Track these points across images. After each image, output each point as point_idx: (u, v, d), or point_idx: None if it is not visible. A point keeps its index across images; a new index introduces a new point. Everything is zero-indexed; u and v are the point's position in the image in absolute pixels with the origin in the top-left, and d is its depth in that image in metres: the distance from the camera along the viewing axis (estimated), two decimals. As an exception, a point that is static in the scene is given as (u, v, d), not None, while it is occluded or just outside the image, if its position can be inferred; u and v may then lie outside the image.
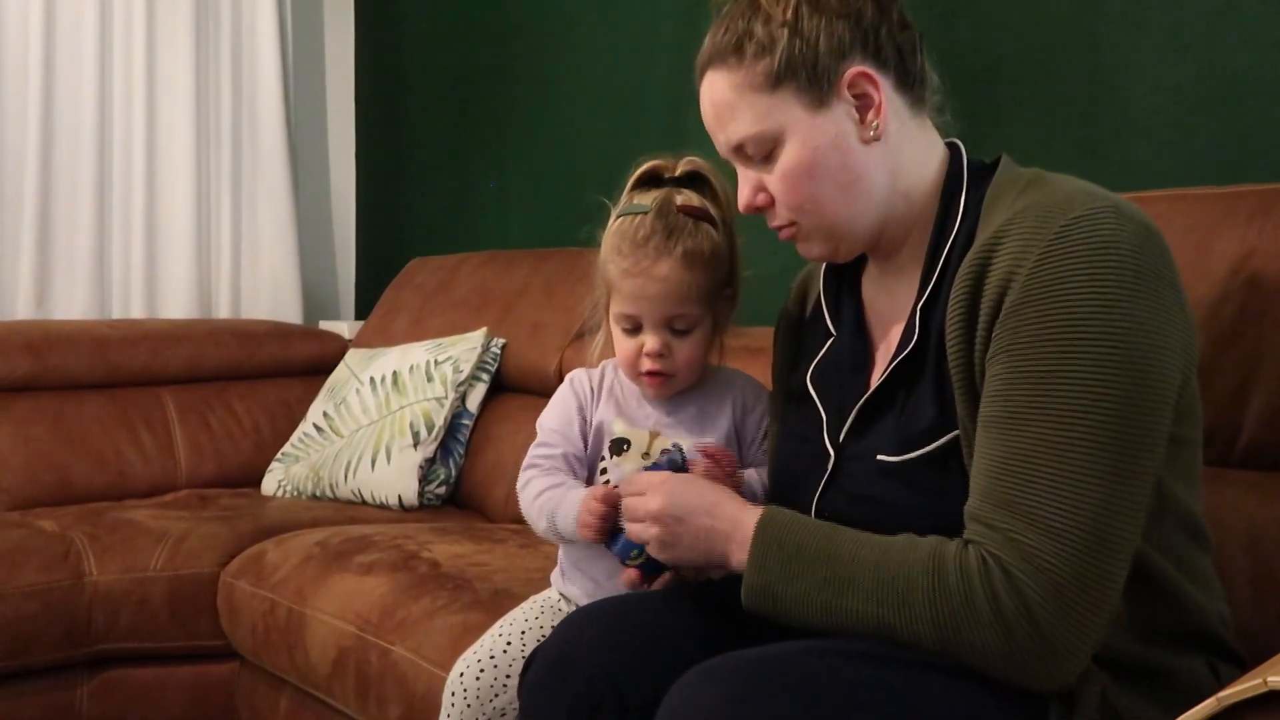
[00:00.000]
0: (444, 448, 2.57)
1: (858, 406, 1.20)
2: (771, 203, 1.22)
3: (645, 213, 1.39)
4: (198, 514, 2.44)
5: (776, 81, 1.16)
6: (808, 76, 1.16)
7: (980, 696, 1.02)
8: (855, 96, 1.17)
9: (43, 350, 2.72)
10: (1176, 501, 1.10)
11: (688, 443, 1.42)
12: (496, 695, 1.42)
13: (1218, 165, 1.71)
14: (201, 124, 3.27)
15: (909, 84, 1.20)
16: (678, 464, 1.31)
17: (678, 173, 1.43)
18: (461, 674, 1.44)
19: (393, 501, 2.51)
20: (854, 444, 1.21)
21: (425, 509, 2.53)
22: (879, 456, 1.16)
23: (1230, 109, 1.69)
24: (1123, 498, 1.00)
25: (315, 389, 2.91)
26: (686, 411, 1.47)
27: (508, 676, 1.42)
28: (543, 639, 1.27)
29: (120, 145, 3.17)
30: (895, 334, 1.21)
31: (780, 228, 1.23)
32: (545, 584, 1.58)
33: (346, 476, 2.57)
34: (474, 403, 2.62)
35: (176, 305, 3.25)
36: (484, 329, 2.67)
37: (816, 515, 1.22)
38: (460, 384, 2.58)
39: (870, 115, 1.17)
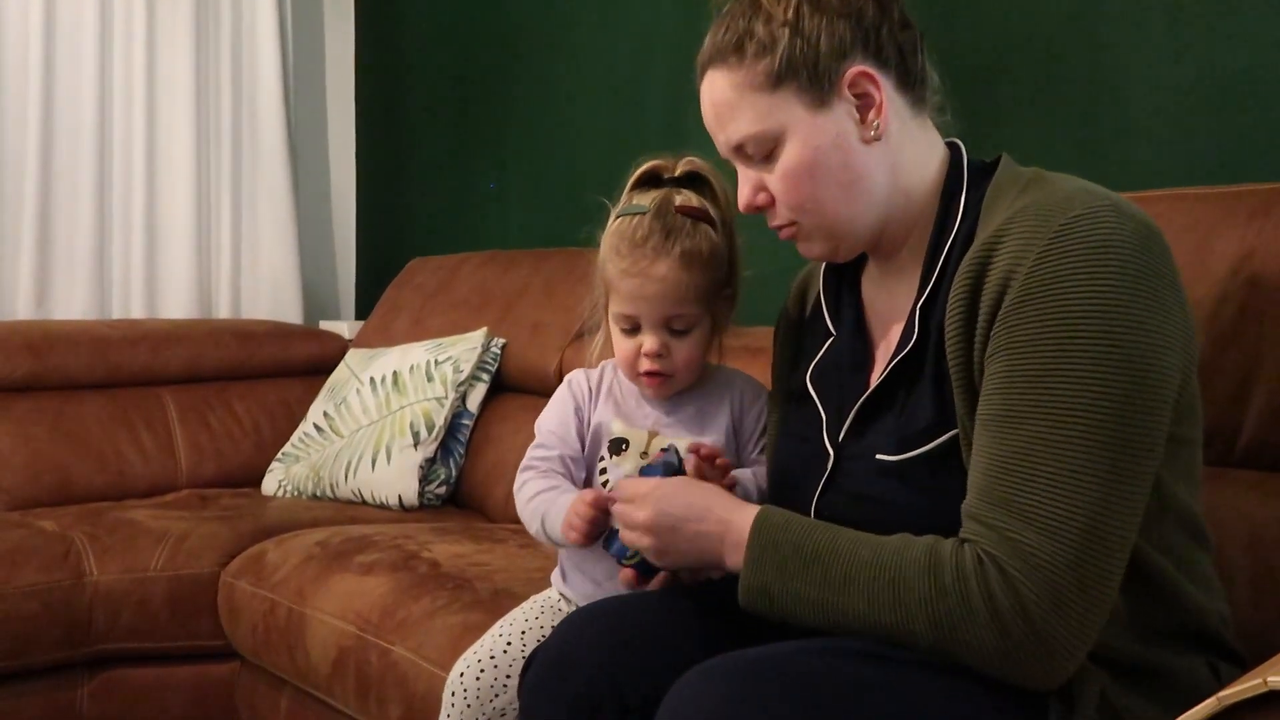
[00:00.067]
0: (444, 448, 2.57)
1: (857, 406, 1.20)
2: (772, 202, 1.22)
3: (644, 213, 1.39)
4: (198, 514, 2.44)
5: (777, 81, 1.16)
6: (809, 76, 1.16)
7: (979, 696, 1.02)
8: (856, 96, 1.17)
9: (43, 350, 2.72)
10: (1176, 501, 1.10)
11: (685, 442, 1.42)
12: (496, 695, 1.42)
13: (1218, 165, 1.71)
14: (201, 124, 3.27)
15: (910, 84, 1.20)
16: (673, 466, 1.31)
17: (677, 173, 1.43)
18: (461, 674, 1.44)
19: (393, 501, 2.51)
20: (853, 444, 1.21)
21: (425, 509, 2.53)
22: (878, 456, 1.16)
23: (1230, 109, 1.69)
24: (1120, 496, 1.00)
25: (315, 389, 2.91)
26: (685, 411, 1.46)
27: (508, 676, 1.42)
28: (543, 639, 1.27)
29: (120, 145, 3.17)
30: (895, 333, 1.21)
31: (780, 227, 1.23)
32: (545, 584, 1.58)
33: (347, 476, 2.57)
34: (474, 403, 2.62)
35: (176, 305, 3.25)
36: (484, 329, 2.67)
37: (816, 515, 1.22)
38: (460, 384, 2.58)
39: (871, 115, 1.17)
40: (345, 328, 3.36)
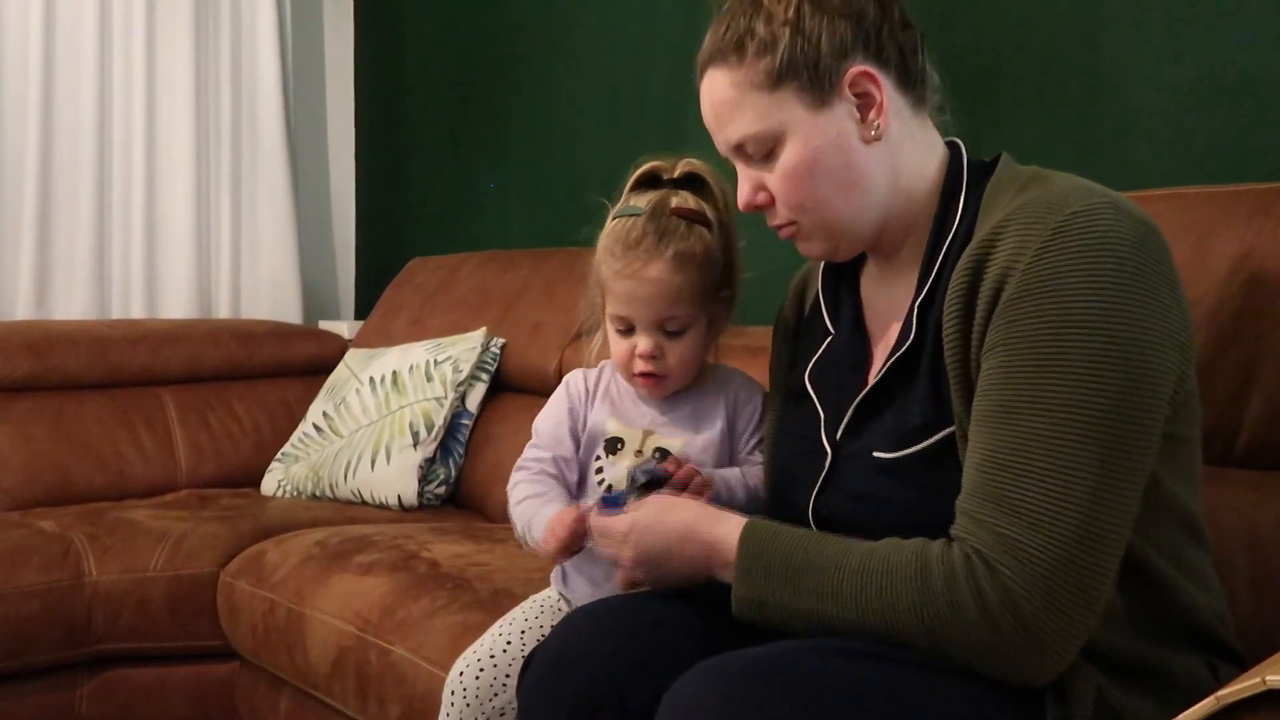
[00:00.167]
0: (444, 448, 2.57)
1: (854, 404, 1.21)
2: (771, 202, 1.22)
3: (639, 215, 1.39)
4: (198, 514, 2.44)
5: (778, 80, 1.16)
6: (809, 75, 1.16)
7: (978, 696, 1.02)
8: (857, 96, 1.17)
9: (43, 350, 2.72)
10: (1175, 500, 1.10)
11: (678, 442, 1.42)
12: (496, 695, 1.42)
13: (1218, 165, 1.71)
14: (201, 124, 3.27)
15: (910, 83, 1.20)
16: (637, 481, 1.31)
17: (676, 174, 1.43)
18: (461, 673, 1.45)
19: (392, 501, 2.51)
20: (851, 442, 1.21)
21: (425, 509, 2.53)
22: (875, 454, 1.16)
23: (1230, 109, 1.69)
24: (1113, 493, 1.00)
25: (315, 389, 2.91)
26: (681, 410, 1.47)
27: (507, 676, 1.42)
28: (542, 639, 1.27)
29: (120, 145, 3.17)
30: (893, 332, 1.21)
31: (780, 226, 1.23)
32: (545, 584, 1.58)
33: (346, 476, 2.57)
34: (474, 403, 2.62)
35: (176, 305, 3.25)
36: (484, 329, 2.67)
37: (814, 513, 1.23)
38: (460, 384, 2.58)
39: (871, 114, 1.17)
40: (345, 328, 3.36)
